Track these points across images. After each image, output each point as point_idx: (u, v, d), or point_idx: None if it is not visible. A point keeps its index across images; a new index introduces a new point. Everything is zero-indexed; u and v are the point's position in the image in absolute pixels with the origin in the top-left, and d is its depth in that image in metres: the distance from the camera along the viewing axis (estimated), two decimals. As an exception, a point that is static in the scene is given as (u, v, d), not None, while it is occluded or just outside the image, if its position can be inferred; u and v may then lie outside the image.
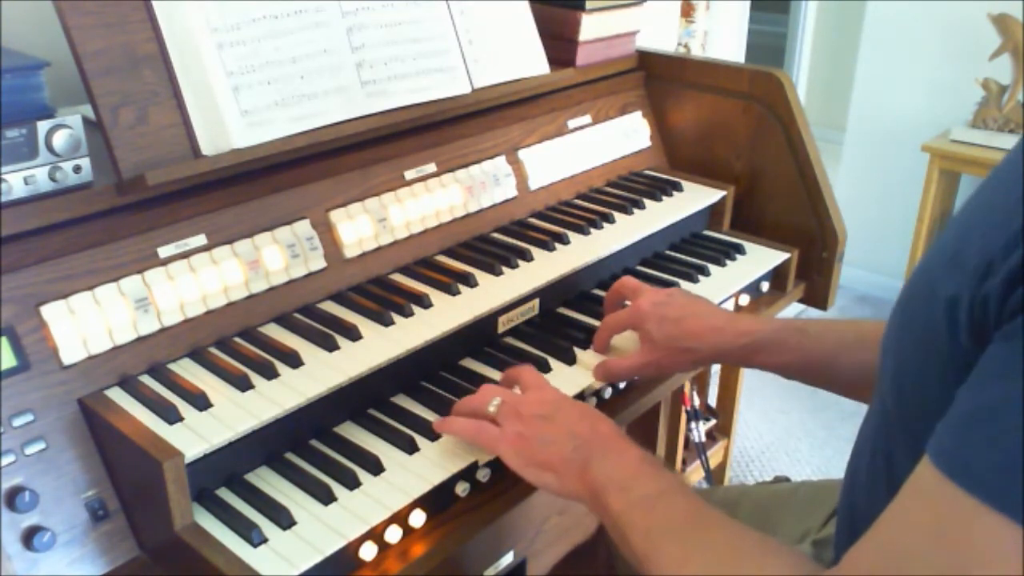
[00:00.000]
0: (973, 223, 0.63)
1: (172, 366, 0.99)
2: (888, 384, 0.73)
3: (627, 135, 1.61)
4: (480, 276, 1.20)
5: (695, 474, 2.16)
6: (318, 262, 1.13)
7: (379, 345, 1.04)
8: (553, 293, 1.26)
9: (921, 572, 0.57)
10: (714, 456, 2.20)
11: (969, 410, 0.57)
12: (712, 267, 1.43)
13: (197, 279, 1.02)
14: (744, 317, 1.13)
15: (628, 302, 1.16)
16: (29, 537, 0.83)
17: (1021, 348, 0.54)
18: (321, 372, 0.99)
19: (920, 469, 0.60)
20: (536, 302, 1.24)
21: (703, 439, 2.06)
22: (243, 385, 0.95)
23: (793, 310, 1.62)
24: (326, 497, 0.90)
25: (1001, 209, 0.59)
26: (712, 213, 1.57)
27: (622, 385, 1.17)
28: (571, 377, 1.12)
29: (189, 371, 0.98)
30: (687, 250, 1.49)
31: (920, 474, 0.60)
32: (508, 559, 1.51)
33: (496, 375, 1.12)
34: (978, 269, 0.59)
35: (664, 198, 1.51)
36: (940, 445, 0.58)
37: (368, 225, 1.19)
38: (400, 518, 0.90)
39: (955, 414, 0.58)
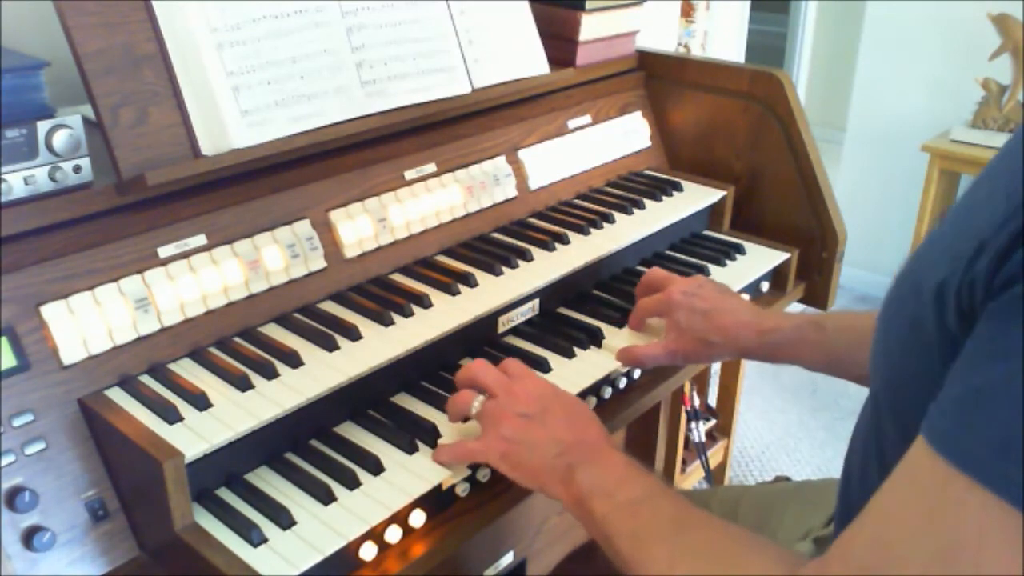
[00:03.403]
0: (963, 216, 0.63)
1: (172, 366, 0.99)
2: (879, 382, 0.73)
3: (627, 135, 1.61)
4: (480, 276, 1.20)
5: (695, 474, 2.16)
6: (318, 262, 1.13)
7: (379, 345, 1.04)
8: (553, 293, 1.26)
9: (911, 555, 0.57)
10: (714, 456, 2.20)
11: (964, 390, 0.57)
12: (712, 267, 1.43)
13: (197, 279, 1.02)
14: (767, 314, 1.13)
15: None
16: (29, 537, 0.83)
17: (1013, 326, 0.54)
18: (321, 372, 0.99)
19: (913, 451, 0.59)
20: (536, 302, 1.24)
21: (703, 439, 2.06)
22: (243, 385, 0.95)
23: (793, 310, 1.62)
24: (326, 497, 0.90)
25: (994, 197, 0.59)
26: (712, 213, 1.57)
27: (622, 385, 1.17)
28: (571, 377, 1.12)
29: (189, 371, 0.98)
30: (687, 250, 1.49)
31: (913, 455, 0.59)
32: (508, 559, 1.51)
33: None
34: (968, 252, 0.58)
35: (664, 198, 1.50)
36: (934, 425, 0.58)
37: (368, 225, 1.19)
38: (400, 518, 0.90)
39: (949, 395, 0.58)
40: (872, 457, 0.74)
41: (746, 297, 1.42)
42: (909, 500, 0.59)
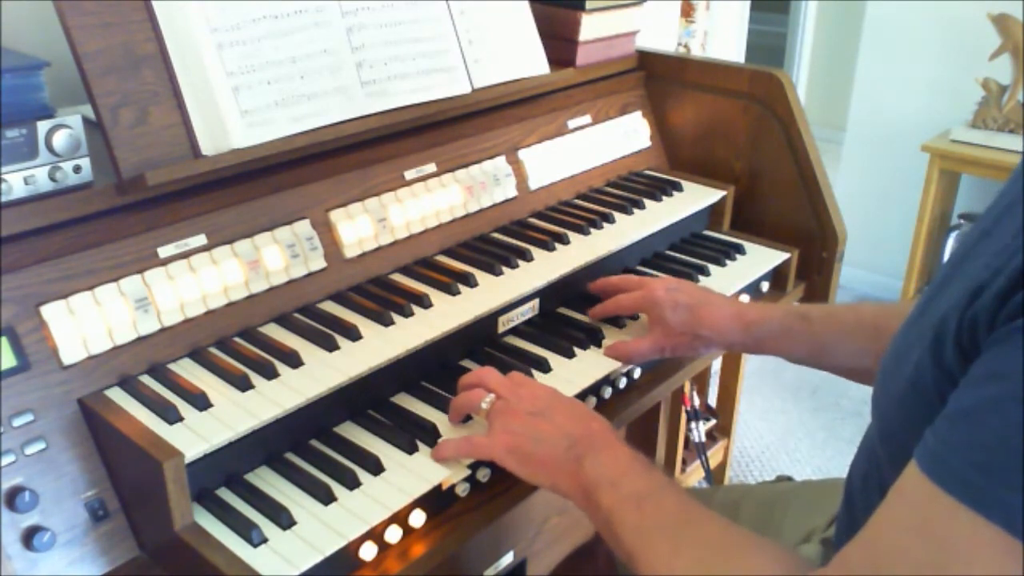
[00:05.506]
0: (966, 264, 0.65)
1: (172, 366, 0.99)
2: (877, 431, 0.74)
3: (627, 135, 1.61)
4: (480, 276, 1.20)
5: (695, 474, 2.16)
6: (318, 262, 1.13)
7: (379, 345, 1.04)
8: (553, 293, 1.26)
9: (906, 570, 0.59)
10: (714, 456, 2.20)
11: (952, 414, 0.59)
12: (712, 267, 1.43)
13: (197, 279, 1.02)
14: (752, 307, 1.16)
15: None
16: (29, 537, 0.83)
17: (1007, 352, 0.56)
18: (321, 372, 0.99)
19: (907, 471, 0.61)
20: (536, 302, 1.24)
21: (703, 439, 2.06)
22: (243, 385, 0.95)
23: (793, 310, 1.62)
24: (326, 497, 0.90)
25: (994, 242, 0.62)
26: (712, 213, 1.57)
27: (622, 385, 1.17)
28: (571, 377, 1.12)
29: (189, 371, 0.98)
30: (687, 250, 1.49)
31: (906, 476, 0.61)
32: (508, 559, 1.51)
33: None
34: (968, 293, 0.60)
35: (664, 198, 1.50)
36: (924, 447, 0.60)
37: (368, 225, 1.19)
38: (400, 518, 0.90)
39: (940, 418, 0.60)
40: (873, 489, 0.75)
41: (746, 297, 1.42)
42: (903, 518, 0.61)
